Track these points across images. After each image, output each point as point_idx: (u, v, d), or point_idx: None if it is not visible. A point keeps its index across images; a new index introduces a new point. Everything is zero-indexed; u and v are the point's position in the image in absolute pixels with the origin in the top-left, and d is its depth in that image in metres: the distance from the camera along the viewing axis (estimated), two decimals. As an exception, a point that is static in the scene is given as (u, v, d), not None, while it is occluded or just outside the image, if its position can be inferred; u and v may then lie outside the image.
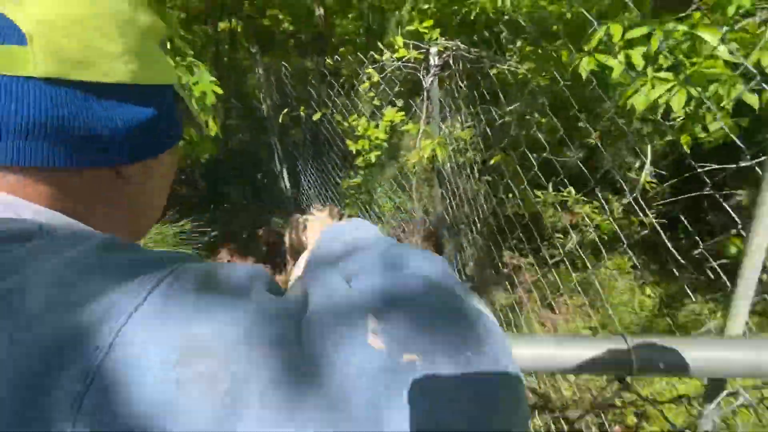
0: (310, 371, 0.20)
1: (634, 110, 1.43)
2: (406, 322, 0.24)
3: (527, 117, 2.80)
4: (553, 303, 2.39)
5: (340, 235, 0.40)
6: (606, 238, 2.74)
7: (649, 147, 1.88)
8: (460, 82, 1.90)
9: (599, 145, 1.88)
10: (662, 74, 1.37)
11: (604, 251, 1.57)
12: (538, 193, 2.62)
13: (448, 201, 2.24)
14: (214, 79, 1.89)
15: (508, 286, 2.90)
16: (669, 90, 1.30)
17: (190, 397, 0.18)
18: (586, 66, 1.44)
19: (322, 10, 4.27)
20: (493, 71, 2.58)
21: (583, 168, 1.60)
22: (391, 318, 0.24)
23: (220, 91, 1.91)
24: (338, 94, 2.56)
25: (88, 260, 0.25)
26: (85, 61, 0.32)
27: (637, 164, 2.31)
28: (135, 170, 0.39)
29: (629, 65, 1.38)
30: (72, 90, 0.32)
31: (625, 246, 1.36)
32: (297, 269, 0.57)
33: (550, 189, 2.46)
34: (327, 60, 2.45)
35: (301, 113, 2.45)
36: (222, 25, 4.88)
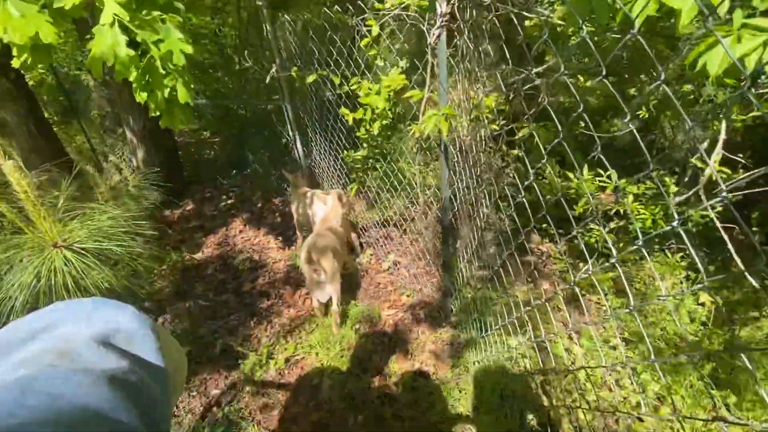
0: None
1: (706, 72, 1.01)
2: None
3: (565, 79, 2.32)
4: (582, 303, 2.03)
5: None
6: (653, 231, 2.28)
7: (723, 123, 1.42)
8: (473, 36, 1.50)
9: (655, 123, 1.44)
10: (756, 21, 0.95)
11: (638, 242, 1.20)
12: (571, 175, 2.19)
13: (455, 184, 1.89)
14: (181, 36, 1.61)
15: (535, 275, 2.55)
16: (765, 44, 0.89)
17: None
18: (642, 8, 1.02)
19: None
20: (528, 22, 2.11)
21: (639, 142, 1.20)
22: None
23: (190, 50, 1.64)
24: (340, 53, 2.21)
25: None
26: None
27: (705, 144, 1.82)
28: None
29: (706, 7, 0.95)
30: None
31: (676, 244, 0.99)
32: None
33: (586, 171, 2.04)
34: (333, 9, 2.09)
35: (293, 75, 2.14)
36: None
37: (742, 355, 0.56)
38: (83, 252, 1.16)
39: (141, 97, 1.69)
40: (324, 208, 2.75)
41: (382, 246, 2.97)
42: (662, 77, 0.60)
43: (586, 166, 2.03)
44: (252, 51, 4.40)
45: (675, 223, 0.64)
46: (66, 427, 0.25)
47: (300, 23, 3.46)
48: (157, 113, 1.75)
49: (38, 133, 3.63)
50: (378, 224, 3.04)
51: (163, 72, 1.65)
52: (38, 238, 1.10)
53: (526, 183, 1.15)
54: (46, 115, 4.25)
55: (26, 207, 1.06)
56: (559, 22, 1.52)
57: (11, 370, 0.29)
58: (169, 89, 1.68)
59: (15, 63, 1.62)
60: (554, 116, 0.96)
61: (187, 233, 3.60)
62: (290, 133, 3.48)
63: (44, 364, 0.30)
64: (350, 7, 2.01)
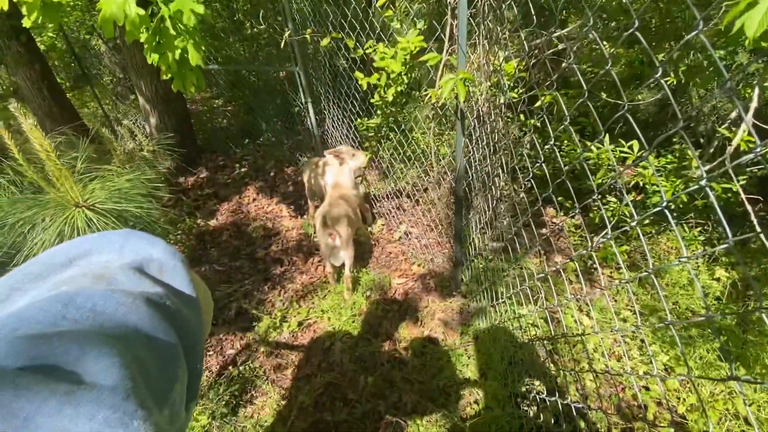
0: None
1: (743, 34, 0.95)
2: None
3: (592, 45, 2.21)
4: (596, 274, 2.02)
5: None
6: (672, 206, 2.23)
7: (756, 90, 1.35)
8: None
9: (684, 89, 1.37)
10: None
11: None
12: (591, 145, 2.13)
13: (471, 152, 1.86)
14: (193, -6, 1.57)
15: (548, 247, 2.53)
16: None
17: None
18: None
19: None
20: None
21: (665, 112, 1.16)
22: None
23: (201, 10, 1.60)
24: (355, 14, 2.13)
25: None
26: None
27: (734, 113, 1.74)
28: None
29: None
30: None
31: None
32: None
33: (607, 140, 1.97)
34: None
35: (307, 37, 2.08)
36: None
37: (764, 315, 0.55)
38: (104, 212, 1.18)
39: (152, 58, 1.66)
40: (334, 171, 2.72)
41: (393, 216, 2.97)
42: (701, 25, 0.56)
43: (607, 136, 1.97)
44: (264, 15, 4.28)
45: (703, 182, 0.62)
46: (108, 338, 0.26)
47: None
48: (169, 76, 1.73)
49: (52, 98, 3.64)
50: (390, 194, 3.03)
51: (174, 33, 1.62)
52: (60, 198, 1.13)
53: (545, 147, 1.12)
54: (59, 80, 4.25)
55: (47, 167, 1.07)
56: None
57: (52, 288, 0.30)
58: (180, 51, 1.65)
59: (26, 22, 1.61)
60: (579, 76, 0.92)
61: (202, 200, 3.64)
62: (303, 100, 3.43)
63: (84, 284, 0.30)
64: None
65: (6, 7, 1.63)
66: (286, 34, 2.64)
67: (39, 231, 1.08)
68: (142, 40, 1.61)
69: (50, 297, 0.28)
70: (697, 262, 2.09)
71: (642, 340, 1.90)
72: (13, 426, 0.21)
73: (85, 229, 1.13)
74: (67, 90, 5.71)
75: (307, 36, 2.05)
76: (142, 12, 1.50)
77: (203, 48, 1.72)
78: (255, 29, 4.39)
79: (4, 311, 0.29)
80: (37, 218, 1.11)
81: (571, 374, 1.76)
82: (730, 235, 0.57)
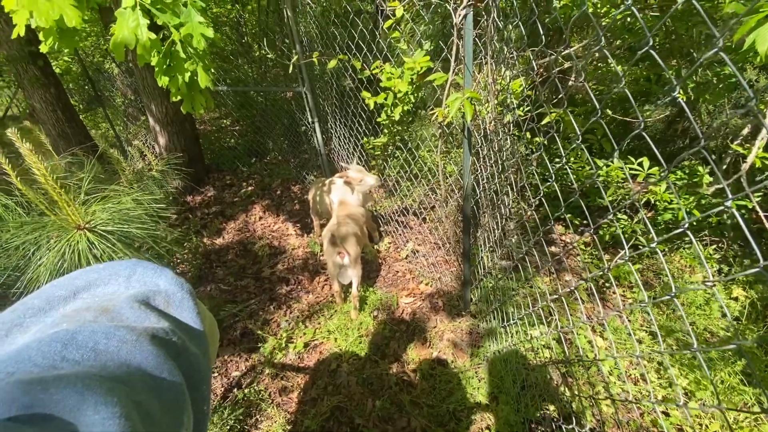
0: None
1: (753, 52, 0.94)
2: None
3: (596, 63, 2.21)
4: (608, 293, 1.96)
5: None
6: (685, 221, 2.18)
7: (768, 106, 1.33)
8: (500, 16, 1.44)
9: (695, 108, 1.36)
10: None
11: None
12: (601, 162, 2.11)
13: (478, 171, 1.84)
14: (202, 20, 1.60)
15: (558, 266, 2.49)
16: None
17: None
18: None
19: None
20: (556, 3, 2.02)
21: (671, 130, 1.14)
22: None
23: (210, 34, 1.63)
24: (362, 36, 2.17)
25: None
26: None
27: (746, 130, 1.71)
28: None
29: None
30: None
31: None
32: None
33: (616, 158, 1.95)
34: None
35: (314, 60, 2.11)
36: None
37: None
38: (105, 234, 1.18)
39: (162, 81, 1.69)
40: (341, 190, 2.73)
41: (400, 234, 2.95)
42: (720, 43, 0.55)
43: (617, 154, 1.95)
44: (271, 39, 4.38)
45: (728, 203, 0.59)
46: (109, 382, 0.24)
47: (319, 8, 3.41)
48: (178, 98, 1.76)
49: (65, 120, 3.72)
50: (397, 213, 3.01)
51: (184, 56, 1.65)
52: (62, 221, 1.13)
53: (555, 167, 1.11)
54: (72, 102, 4.35)
55: (48, 190, 1.08)
56: None
57: (53, 324, 0.29)
58: (189, 74, 1.68)
59: (43, 48, 1.65)
60: (591, 95, 0.90)
61: (208, 219, 3.65)
62: (309, 120, 3.47)
63: (86, 320, 0.29)
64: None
65: (23, 33, 1.68)
66: (294, 57, 2.69)
67: (44, 252, 1.08)
68: (153, 63, 1.64)
69: (50, 336, 0.26)
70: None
71: (660, 363, 1.83)
72: None
73: (86, 251, 1.13)
74: (80, 112, 5.84)
75: (315, 59, 2.08)
76: (153, 36, 1.54)
77: (212, 70, 1.75)
78: (263, 51, 4.49)
79: (3, 349, 0.28)
80: (42, 240, 1.11)
81: (586, 399, 1.69)
82: (761, 258, 0.54)
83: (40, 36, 1.62)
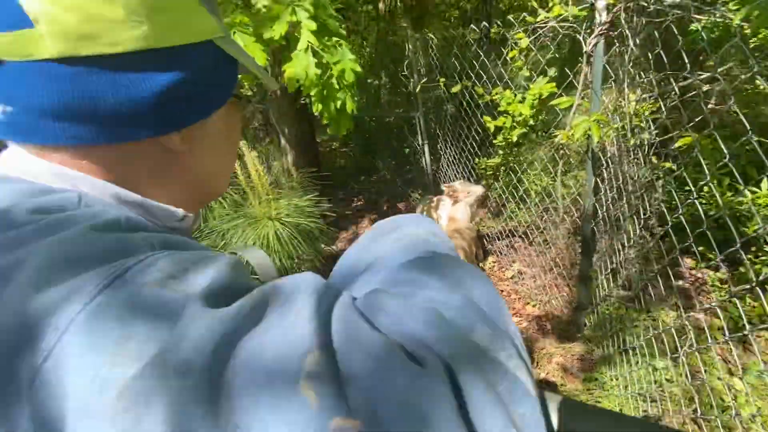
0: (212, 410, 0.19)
1: None
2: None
3: (740, 84, 2.06)
4: (750, 337, 1.77)
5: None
6: None
7: None
8: (633, 44, 1.49)
9: None
10: None
11: None
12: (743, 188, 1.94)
13: (603, 192, 1.85)
14: (353, 57, 1.92)
15: (681, 306, 2.29)
16: None
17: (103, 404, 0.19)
18: None
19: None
20: (695, 25, 1.96)
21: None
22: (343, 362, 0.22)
23: (358, 69, 1.94)
24: (483, 65, 2.34)
25: (75, 242, 0.25)
26: (89, 34, 0.30)
27: None
28: (178, 139, 0.37)
29: None
30: (87, 67, 0.30)
31: None
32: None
33: (765, 185, 1.78)
34: (482, 25, 2.23)
35: (441, 85, 2.32)
36: (381, 5, 5.03)
37: None
38: (286, 224, 1.49)
39: (317, 108, 2.04)
40: (449, 206, 2.85)
41: (505, 255, 2.98)
42: None
43: (765, 180, 1.78)
44: (387, 69, 4.81)
45: None
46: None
47: (437, 40, 3.70)
48: (327, 122, 2.09)
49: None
50: (503, 233, 3.06)
51: (337, 87, 1.98)
52: (259, 212, 1.47)
53: (687, 201, 1.11)
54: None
55: (257, 189, 1.42)
56: (740, 22, 1.41)
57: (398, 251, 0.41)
58: (340, 102, 2.00)
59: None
60: (742, 116, 0.93)
61: (325, 227, 4.07)
62: (419, 142, 3.73)
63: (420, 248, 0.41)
64: (497, 22, 2.12)
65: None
66: (417, 87, 2.96)
67: (240, 238, 1.42)
68: (311, 94, 2.00)
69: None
70: None
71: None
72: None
73: (273, 237, 1.45)
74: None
75: (441, 84, 2.30)
76: (318, 71, 1.89)
77: (356, 98, 2.06)
78: (379, 80, 4.94)
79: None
80: (242, 226, 1.46)
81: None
82: None
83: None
